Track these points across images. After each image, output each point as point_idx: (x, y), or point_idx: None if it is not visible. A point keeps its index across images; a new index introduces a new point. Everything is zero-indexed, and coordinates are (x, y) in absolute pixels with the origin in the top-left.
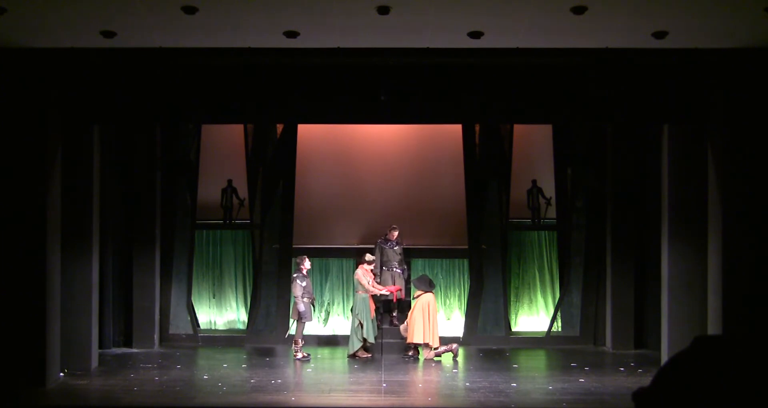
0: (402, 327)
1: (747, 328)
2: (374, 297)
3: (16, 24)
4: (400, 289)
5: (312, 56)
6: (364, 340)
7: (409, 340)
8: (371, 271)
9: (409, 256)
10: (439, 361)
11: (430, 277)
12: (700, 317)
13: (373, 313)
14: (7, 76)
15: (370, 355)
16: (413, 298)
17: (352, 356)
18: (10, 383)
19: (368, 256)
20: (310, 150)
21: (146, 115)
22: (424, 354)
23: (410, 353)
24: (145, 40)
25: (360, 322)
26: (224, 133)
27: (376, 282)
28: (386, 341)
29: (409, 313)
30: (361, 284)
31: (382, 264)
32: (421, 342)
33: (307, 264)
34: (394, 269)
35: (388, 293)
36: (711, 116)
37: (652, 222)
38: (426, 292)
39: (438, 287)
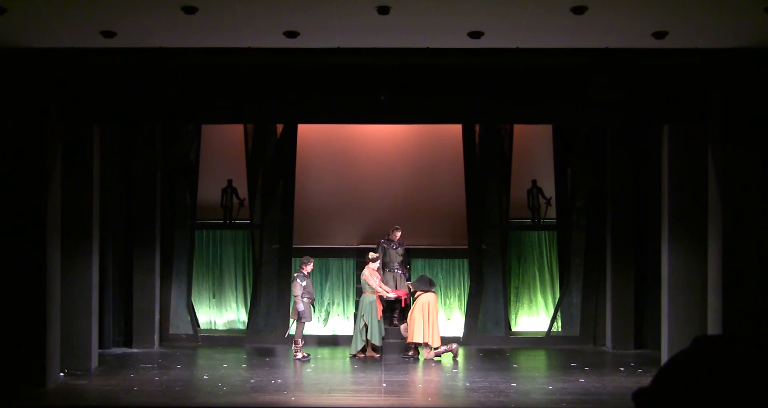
0: (402, 327)
1: (747, 328)
2: (380, 298)
3: (16, 24)
4: (408, 294)
5: (312, 56)
6: (367, 341)
7: (409, 340)
8: (377, 270)
9: (409, 256)
10: (439, 361)
11: (430, 277)
12: (700, 317)
13: (380, 315)
14: (7, 76)
15: (378, 355)
16: (413, 298)
17: (355, 356)
18: (10, 383)
19: (371, 254)
20: (310, 150)
21: (146, 115)
22: (424, 354)
23: (410, 353)
24: (145, 40)
25: (365, 324)
26: (224, 133)
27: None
28: (386, 341)
29: (409, 313)
30: (369, 285)
31: (384, 265)
32: (421, 341)
33: (310, 267)
34: (396, 271)
35: (395, 297)
36: (711, 116)
37: (652, 222)
38: (426, 291)
39: (438, 287)
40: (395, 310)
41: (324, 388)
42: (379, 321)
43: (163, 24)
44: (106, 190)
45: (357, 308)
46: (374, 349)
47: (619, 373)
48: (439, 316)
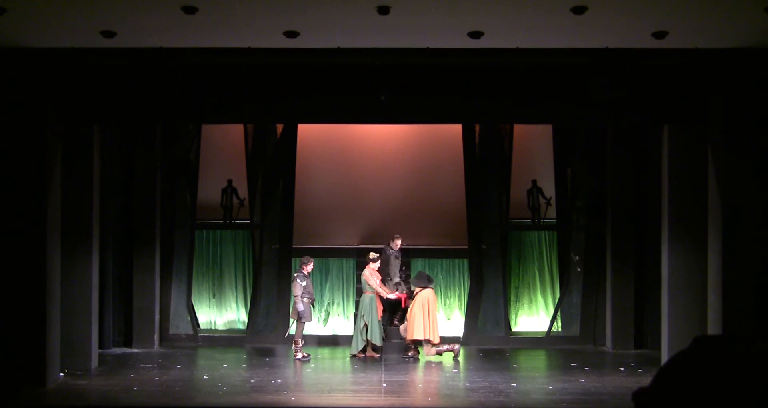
0: (402, 327)
1: (747, 328)
2: (381, 298)
3: (16, 24)
4: (407, 296)
5: (312, 56)
6: (368, 341)
7: (409, 338)
8: (378, 270)
9: (409, 256)
10: (440, 362)
11: (429, 273)
12: (700, 317)
13: (380, 315)
14: (7, 76)
15: (378, 355)
16: (413, 296)
17: (355, 356)
18: (10, 383)
19: (372, 254)
20: (310, 150)
21: (146, 115)
22: (424, 351)
23: (410, 353)
24: (145, 40)
25: (365, 323)
26: (224, 133)
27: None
28: (386, 341)
29: (409, 310)
30: (369, 285)
31: (387, 274)
32: (422, 338)
33: (310, 266)
34: (395, 277)
35: (395, 298)
36: (711, 116)
37: (652, 222)
38: (425, 287)
39: (438, 287)
40: (396, 311)
41: (324, 388)
42: (379, 321)
43: (163, 24)
44: (106, 190)
45: (357, 308)
46: (374, 349)
47: (619, 373)
48: (439, 316)
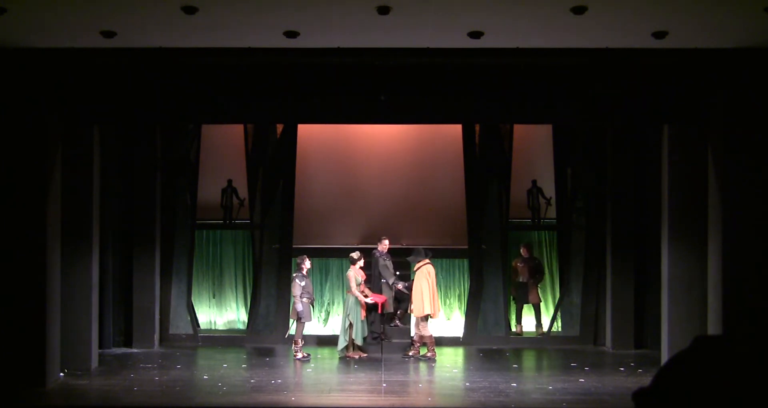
0: (414, 322)
1: (747, 328)
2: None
3: (16, 24)
4: (386, 301)
5: (312, 56)
6: (352, 340)
7: (417, 314)
8: (362, 268)
9: (409, 256)
10: (440, 362)
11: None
12: (700, 317)
13: (364, 314)
14: (7, 76)
15: (365, 354)
16: (413, 272)
17: (345, 357)
18: (10, 383)
19: (356, 254)
20: (310, 150)
21: (146, 115)
22: (420, 327)
23: (410, 353)
24: (145, 40)
25: (350, 323)
26: (224, 133)
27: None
28: (387, 341)
29: (415, 284)
30: (350, 285)
31: (382, 276)
32: (430, 312)
33: (307, 264)
34: (390, 280)
35: (372, 302)
36: (711, 116)
37: (652, 222)
38: (424, 261)
39: (438, 287)
40: (397, 310)
41: (324, 388)
42: (362, 321)
43: (163, 24)
44: (106, 190)
45: (343, 307)
46: (360, 348)
47: (619, 373)
48: (439, 316)
